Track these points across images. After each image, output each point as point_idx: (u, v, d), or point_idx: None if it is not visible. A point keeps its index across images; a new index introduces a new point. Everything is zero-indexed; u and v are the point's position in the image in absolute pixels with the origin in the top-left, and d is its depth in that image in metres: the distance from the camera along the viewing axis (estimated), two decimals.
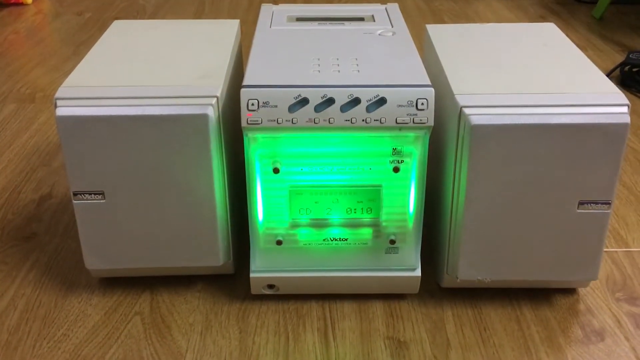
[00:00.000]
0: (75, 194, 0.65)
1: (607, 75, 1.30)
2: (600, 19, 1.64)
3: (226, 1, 1.81)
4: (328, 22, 0.79)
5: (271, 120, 0.61)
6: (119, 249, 0.68)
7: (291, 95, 0.61)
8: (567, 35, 1.54)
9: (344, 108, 0.61)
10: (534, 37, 0.78)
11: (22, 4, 1.76)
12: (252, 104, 0.61)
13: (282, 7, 0.85)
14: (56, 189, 0.93)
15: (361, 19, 0.80)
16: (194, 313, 0.70)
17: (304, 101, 0.61)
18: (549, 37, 0.78)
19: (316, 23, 0.79)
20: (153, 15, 1.69)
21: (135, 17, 1.67)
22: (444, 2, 1.78)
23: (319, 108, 0.61)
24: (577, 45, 1.33)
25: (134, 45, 0.75)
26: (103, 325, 0.69)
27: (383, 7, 0.85)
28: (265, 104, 0.61)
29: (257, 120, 0.61)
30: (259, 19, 0.81)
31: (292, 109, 0.61)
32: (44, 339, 0.67)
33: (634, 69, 1.28)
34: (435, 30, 0.80)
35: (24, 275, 0.76)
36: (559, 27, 1.64)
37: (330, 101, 0.61)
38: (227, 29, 0.80)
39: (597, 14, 1.65)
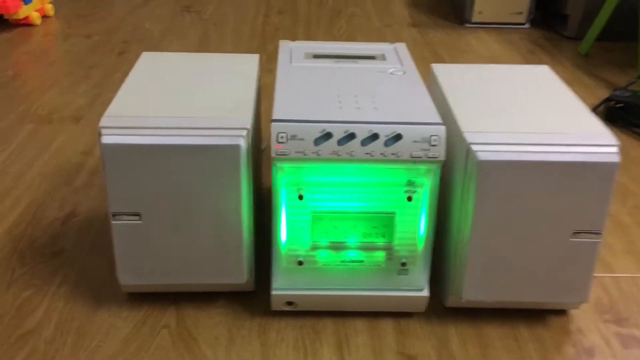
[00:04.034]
0: (114, 215, 0.71)
1: (593, 110, 1.39)
2: (586, 55, 1.74)
3: (229, 28, 1.88)
4: (343, 60, 0.86)
5: (298, 152, 0.67)
6: (151, 266, 0.74)
7: (317, 130, 0.67)
8: (555, 70, 1.63)
9: (364, 142, 0.67)
10: (530, 78, 0.85)
11: (31, 24, 1.82)
12: (282, 137, 0.67)
13: (298, 43, 0.92)
14: (79, 207, 0.98)
15: (373, 58, 0.87)
16: (218, 327, 0.76)
17: (328, 135, 0.67)
18: (543, 79, 0.85)
19: (332, 60, 0.85)
20: (160, 40, 1.75)
21: (142, 42, 1.74)
22: (437, 35, 1.86)
23: (341, 142, 0.67)
24: (564, 80, 1.41)
25: (165, 77, 0.81)
26: (134, 338, 0.74)
27: (392, 46, 0.92)
28: (293, 137, 0.67)
29: (286, 152, 0.67)
30: (279, 55, 0.87)
31: (317, 142, 0.67)
32: (80, 349, 0.72)
33: (618, 105, 1.36)
34: (440, 70, 0.87)
35: (55, 290, 0.81)
36: (547, 62, 1.72)
37: (351, 136, 0.67)
38: (249, 63, 0.87)
39: (583, 50, 1.74)
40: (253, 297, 0.80)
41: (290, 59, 0.86)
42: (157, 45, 1.71)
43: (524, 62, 1.67)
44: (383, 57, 0.88)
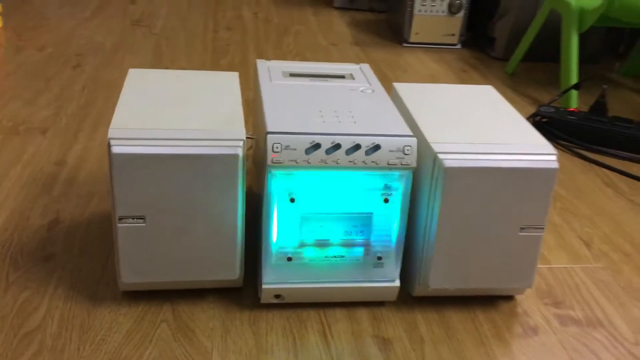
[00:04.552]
0: (120, 218, 0.78)
1: None
2: (512, 74, 1.92)
3: (180, 43, 1.94)
4: (317, 79, 0.96)
5: (291, 160, 0.77)
6: (152, 265, 0.81)
7: (307, 141, 0.77)
8: None
9: (348, 152, 0.78)
10: (478, 96, 0.98)
11: None
12: (277, 147, 0.76)
13: (274, 63, 1.01)
14: (62, 215, 1.03)
15: (342, 77, 0.98)
16: (212, 319, 0.83)
17: (317, 146, 0.77)
18: (489, 97, 0.98)
19: (307, 79, 0.95)
20: (113, 54, 1.79)
21: (96, 55, 1.77)
22: (379, 53, 2.00)
23: (328, 151, 0.77)
24: None
25: (157, 93, 0.88)
26: (136, 331, 0.80)
27: (357, 66, 1.03)
28: (287, 147, 0.76)
29: (280, 160, 0.76)
30: (259, 73, 0.96)
31: (307, 151, 0.77)
32: (86, 342, 0.78)
33: (544, 119, 1.53)
34: (401, 88, 0.99)
35: (53, 291, 0.86)
36: (478, 80, 1.89)
37: (337, 146, 0.77)
38: (230, 80, 0.96)
39: (509, 70, 1.92)
40: (240, 293, 0.88)
41: (270, 77, 0.95)
42: (111, 59, 1.75)
43: (458, 80, 1.82)
44: (352, 77, 0.98)
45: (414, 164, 0.79)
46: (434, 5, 2.05)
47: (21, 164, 1.18)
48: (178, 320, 0.83)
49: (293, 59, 1.87)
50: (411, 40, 2.08)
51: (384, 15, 2.43)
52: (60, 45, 1.82)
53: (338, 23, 2.29)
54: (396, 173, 0.80)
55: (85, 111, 1.42)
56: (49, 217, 1.02)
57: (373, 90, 0.93)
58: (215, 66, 1.76)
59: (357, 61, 1.90)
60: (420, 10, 2.05)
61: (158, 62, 1.76)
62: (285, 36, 2.08)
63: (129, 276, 0.81)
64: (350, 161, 0.78)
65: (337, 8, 2.48)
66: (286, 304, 0.86)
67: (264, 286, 0.83)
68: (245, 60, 1.82)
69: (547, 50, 1.94)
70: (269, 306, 0.86)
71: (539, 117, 1.54)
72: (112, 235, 0.98)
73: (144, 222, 0.78)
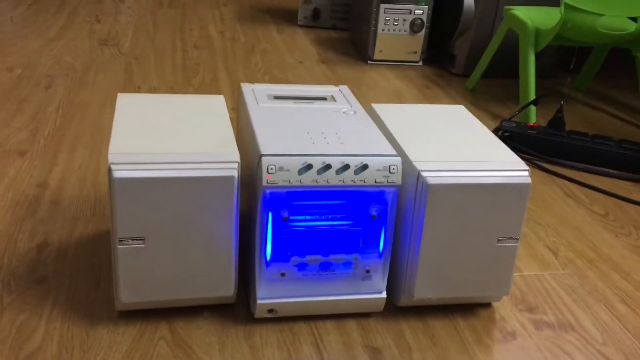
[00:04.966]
0: (120, 240, 0.80)
1: None
2: (472, 90, 2.00)
3: (150, 62, 1.96)
4: (300, 101, 1.00)
5: (285, 181, 0.81)
6: (150, 284, 0.83)
7: (300, 162, 0.81)
8: (448, 103, 1.87)
9: (338, 172, 0.82)
10: (451, 116, 1.04)
11: None
12: (272, 169, 0.80)
13: (258, 86, 1.05)
14: (50, 237, 1.04)
15: (324, 99, 1.03)
16: (209, 335, 0.86)
17: (309, 166, 0.81)
18: (461, 116, 1.05)
19: (292, 101, 1.00)
20: (84, 74, 1.80)
21: (67, 75, 1.77)
22: (345, 71, 2.06)
23: (320, 172, 0.82)
24: None
25: (149, 117, 0.91)
26: (135, 349, 0.83)
27: (337, 88, 1.08)
28: (281, 168, 0.81)
29: (275, 181, 0.80)
30: (245, 96, 1.00)
31: (300, 172, 0.81)
32: None
33: (506, 134, 1.61)
34: (380, 109, 1.04)
35: (49, 312, 0.88)
36: (441, 96, 1.96)
37: (328, 167, 0.82)
38: (217, 103, 0.99)
39: (470, 86, 2.01)
40: (233, 309, 0.91)
41: (256, 100, 0.99)
42: (82, 79, 1.76)
43: (422, 96, 1.90)
44: (333, 98, 1.03)
45: (399, 182, 0.84)
46: (396, 25, 2.13)
47: (3, 187, 1.18)
48: (175, 337, 0.85)
49: (262, 77, 1.91)
50: (375, 57, 2.15)
51: (347, 33, 2.50)
52: (29, 67, 1.81)
53: (303, 41, 2.35)
54: (382, 190, 0.85)
55: (61, 132, 1.42)
56: (37, 240, 1.03)
57: (355, 112, 0.98)
58: (186, 85, 1.78)
59: (326, 78, 1.96)
60: (383, 30, 2.12)
61: (130, 82, 1.77)
62: (252, 55, 2.12)
63: (128, 296, 0.83)
64: (340, 180, 0.82)
65: (300, 26, 2.54)
66: (278, 318, 0.90)
67: (258, 302, 0.87)
68: (216, 79, 1.85)
69: (505, 67, 2.04)
70: (262, 320, 0.90)
71: (502, 132, 1.62)
72: (103, 255, 1.00)
73: (143, 243, 0.81)
